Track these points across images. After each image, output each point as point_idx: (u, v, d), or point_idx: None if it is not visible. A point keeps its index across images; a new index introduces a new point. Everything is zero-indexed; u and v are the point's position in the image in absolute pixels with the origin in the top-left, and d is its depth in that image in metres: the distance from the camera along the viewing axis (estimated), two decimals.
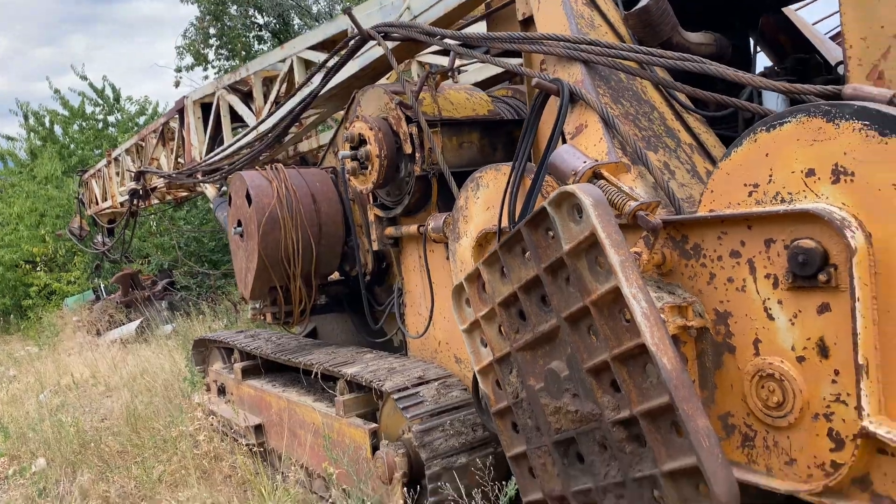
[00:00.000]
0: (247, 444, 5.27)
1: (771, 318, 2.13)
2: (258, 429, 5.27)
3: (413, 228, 4.11)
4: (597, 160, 2.58)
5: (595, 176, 2.52)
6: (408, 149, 3.95)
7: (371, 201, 4.47)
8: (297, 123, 5.85)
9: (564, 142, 2.86)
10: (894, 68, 2.54)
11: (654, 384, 2.02)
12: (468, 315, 2.80)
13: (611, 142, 2.71)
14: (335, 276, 5.13)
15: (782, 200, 2.11)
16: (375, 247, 4.49)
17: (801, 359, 2.07)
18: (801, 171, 2.06)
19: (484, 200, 3.25)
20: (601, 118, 2.75)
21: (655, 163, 2.68)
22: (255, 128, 6.14)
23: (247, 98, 7.42)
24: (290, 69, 5.94)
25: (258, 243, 4.48)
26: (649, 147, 2.76)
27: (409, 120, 3.97)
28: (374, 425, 4.00)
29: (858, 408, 1.92)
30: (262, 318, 4.93)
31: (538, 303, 2.43)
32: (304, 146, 7.74)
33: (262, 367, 5.53)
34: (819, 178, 2.03)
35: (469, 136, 4.11)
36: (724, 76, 2.52)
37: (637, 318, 2.01)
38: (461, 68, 5.62)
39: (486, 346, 2.74)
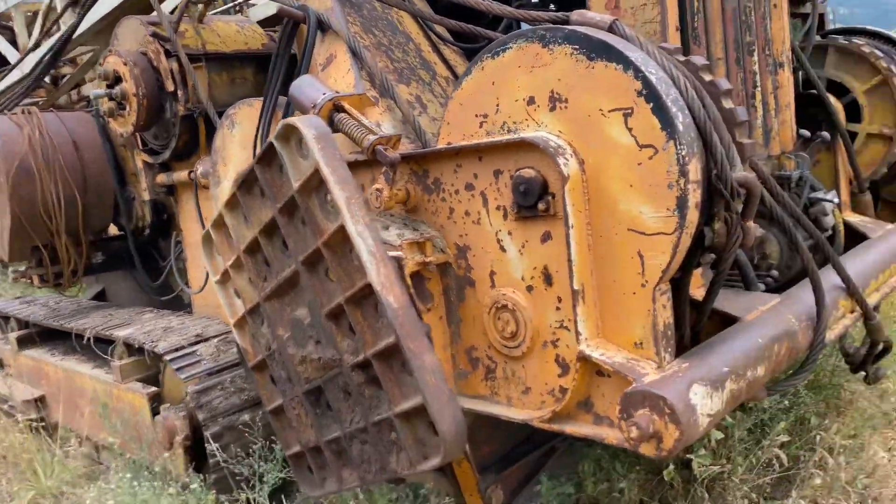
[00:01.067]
0: (28, 420, 4.79)
1: (503, 249, 2.12)
2: (39, 402, 4.80)
3: (184, 175, 3.79)
4: (337, 92, 2.42)
5: (336, 109, 2.36)
6: (170, 86, 3.60)
7: (140, 146, 4.07)
8: (66, 62, 5.22)
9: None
10: None
11: (384, 324, 1.94)
12: (219, 265, 2.60)
13: (358, 73, 2.56)
14: (114, 230, 4.69)
15: (508, 130, 2.07)
16: (148, 196, 4.11)
17: (529, 288, 2.07)
18: (524, 100, 2.02)
19: (240, 139, 3.01)
20: (349, 48, 2.59)
21: (406, 96, 2.57)
22: (13, 68, 5.41)
23: (14, 35, 6.54)
24: (51, 2, 5.25)
25: (9, 198, 3.96)
26: (402, 80, 2.64)
27: (168, 54, 3.60)
28: (153, 389, 3.72)
29: (576, 332, 1.95)
30: (29, 281, 4.42)
31: (280, 247, 2.27)
32: (88, 88, 6.98)
33: (38, 335, 5.00)
34: (539, 106, 2.00)
35: (242, 71, 3.81)
36: (468, 3, 2.43)
37: (363, 257, 1.91)
38: (248, 3, 5.22)
39: (239, 297, 2.56)
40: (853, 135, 3.45)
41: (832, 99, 3.40)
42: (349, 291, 2.00)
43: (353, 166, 2.35)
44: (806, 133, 3.10)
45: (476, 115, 2.15)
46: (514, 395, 2.19)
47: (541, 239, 2.01)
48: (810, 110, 3.36)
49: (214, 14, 4.09)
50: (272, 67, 2.77)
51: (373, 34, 2.73)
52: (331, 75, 2.65)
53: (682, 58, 2.13)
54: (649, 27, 2.54)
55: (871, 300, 2.74)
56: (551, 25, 1.96)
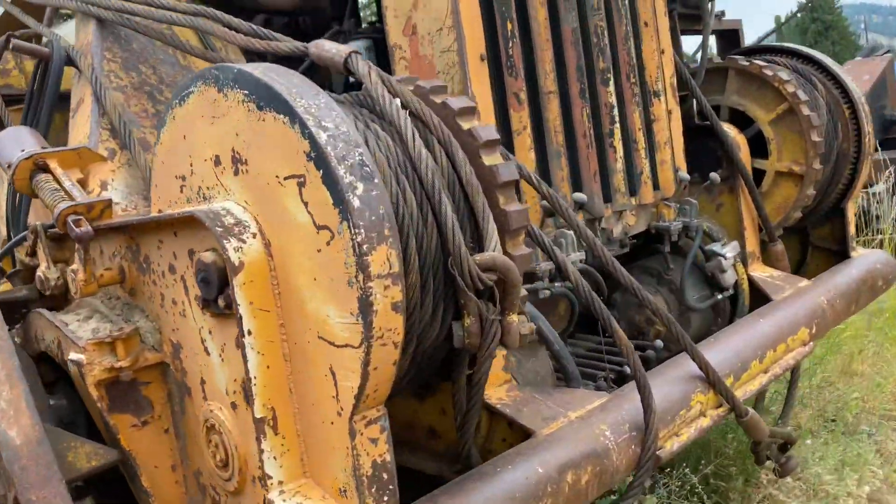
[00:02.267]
0: None
1: (207, 351, 1.62)
2: None
3: None
4: (44, 147, 1.96)
5: (39, 168, 1.90)
6: None
7: None
8: None
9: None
10: (427, 20, 2.08)
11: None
12: None
13: (97, 122, 2.10)
14: None
15: (204, 198, 1.59)
16: None
17: (233, 405, 1.57)
18: (211, 159, 1.54)
19: None
20: (93, 91, 2.13)
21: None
22: None
23: None
24: None
25: None
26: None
27: None
28: None
29: (264, 474, 1.44)
30: None
31: None
32: None
33: None
34: (224, 168, 1.51)
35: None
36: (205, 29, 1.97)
37: None
38: None
39: None
40: (761, 173, 2.91)
41: (733, 132, 2.87)
42: None
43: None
44: (685, 177, 2.58)
45: (176, 177, 1.67)
46: None
47: (235, 343, 1.51)
48: (710, 144, 2.84)
49: None
50: (24, 113, 2.32)
51: (137, 72, 2.28)
52: (77, 123, 2.20)
53: (439, 100, 1.64)
54: (447, 57, 2.05)
55: (751, 386, 2.19)
56: (226, 65, 1.48)
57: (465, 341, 1.53)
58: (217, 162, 1.52)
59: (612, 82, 2.42)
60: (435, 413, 1.95)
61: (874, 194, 6.23)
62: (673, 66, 2.72)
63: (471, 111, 1.63)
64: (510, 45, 2.11)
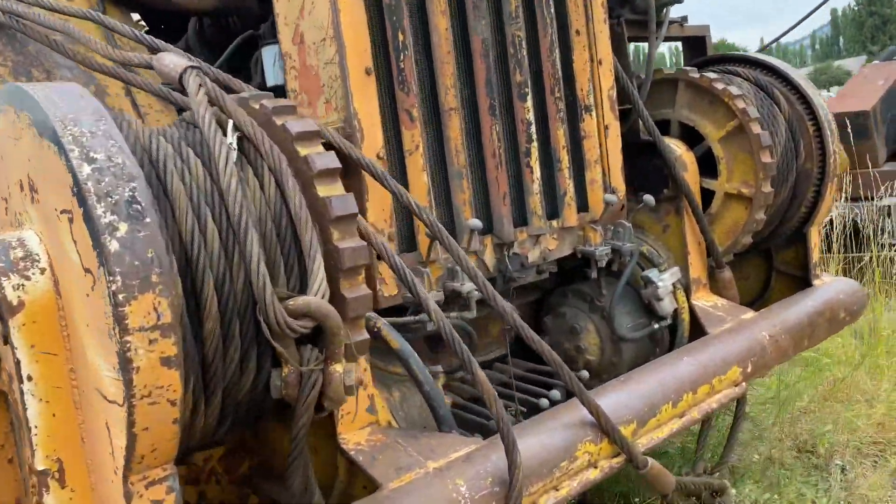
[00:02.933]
0: None
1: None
2: None
3: None
4: None
5: None
6: None
7: None
8: None
9: None
10: (312, 29, 1.94)
11: None
12: None
13: None
14: None
15: (18, 223, 1.47)
16: None
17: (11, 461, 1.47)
18: (17, 183, 1.42)
19: None
20: None
21: None
22: None
23: None
24: None
25: None
26: None
27: None
28: None
29: None
30: None
31: None
32: None
33: None
34: (26, 194, 1.39)
35: None
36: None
37: None
38: None
39: None
40: (710, 195, 2.71)
41: (681, 149, 2.66)
42: None
43: None
44: (612, 199, 2.39)
45: (2, 199, 1.56)
46: None
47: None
48: (657, 162, 2.64)
49: None
50: None
51: (28, 76, 2.17)
52: None
53: (280, 122, 1.50)
54: (330, 69, 1.90)
55: (659, 433, 2.02)
56: (20, 85, 1.36)
57: (283, 392, 1.39)
58: (21, 186, 1.40)
59: (529, 97, 2.25)
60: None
61: (882, 208, 5.90)
62: (612, 77, 2.53)
63: (312, 136, 1.49)
64: (401, 57, 1.95)
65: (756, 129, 2.51)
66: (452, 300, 2.07)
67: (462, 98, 2.13)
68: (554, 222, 2.37)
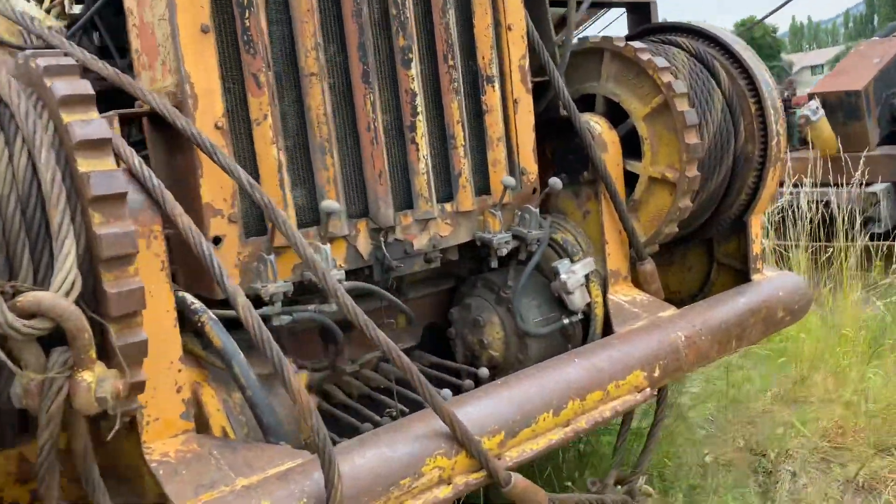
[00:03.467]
0: None
1: None
2: None
3: None
4: None
5: None
6: None
7: None
8: None
9: None
10: None
11: None
12: None
13: None
14: None
15: None
16: None
17: None
18: None
19: None
20: None
21: None
22: None
23: None
24: None
25: None
26: None
27: None
28: None
29: None
30: None
31: None
32: None
33: None
34: None
35: None
36: None
37: None
38: None
39: None
40: (634, 178, 2.46)
41: (602, 126, 2.41)
42: None
43: None
44: (510, 181, 2.15)
45: None
46: None
47: None
48: (578, 141, 2.40)
49: None
50: None
51: None
52: None
53: (49, 83, 1.28)
54: (163, 27, 1.67)
55: (533, 445, 1.80)
56: None
57: (23, 402, 1.19)
58: None
59: (414, 64, 2.01)
60: None
61: (872, 194, 5.61)
62: (525, 45, 2.28)
63: (80, 101, 1.27)
64: (246, 14, 1.71)
65: (681, 105, 2.26)
66: (312, 291, 1.86)
67: (330, 63, 1.89)
68: (447, 205, 2.14)
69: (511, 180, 2.15)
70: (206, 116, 1.68)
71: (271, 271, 1.73)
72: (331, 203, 1.79)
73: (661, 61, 2.31)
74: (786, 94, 7.97)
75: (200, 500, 1.41)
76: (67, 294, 1.16)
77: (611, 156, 2.40)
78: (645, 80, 2.37)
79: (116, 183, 1.24)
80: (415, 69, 2.01)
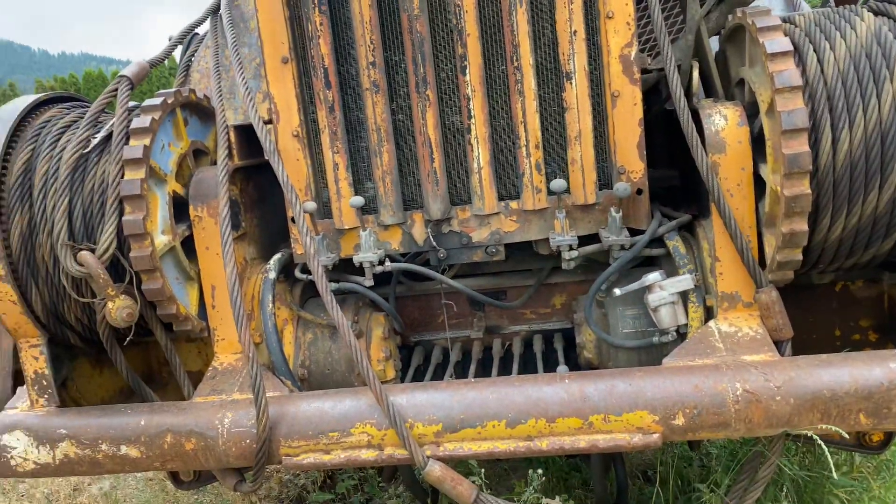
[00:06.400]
0: None
1: None
2: None
3: None
4: None
5: None
6: None
7: None
8: None
9: None
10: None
11: None
12: None
13: None
14: None
15: None
16: None
17: None
18: None
19: None
20: None
21: None
22: None
23: None
24: None
25: None
26: None
27: None
28: None
29: None
30: None
31: None
32: None
33: None
34: None
35: None
36: None
37: None
38: None
39: None
40: (763, 184, 1.93)
41: (729, 121, 1.98)
42: None
43: None
44: (561, 186, 1.97)
45: None
46: None
47: None
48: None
49: None
50: None
51: None
52: None
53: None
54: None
55: (472, 446, 1.91)
56: None
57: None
58: None
59: (468, 71, 2.10)
60: None
61: None
62: (629, 33, 2.05)
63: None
64: (310, 46, 2.15)
65: (787, 103, 1.73)
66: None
67: (389, 74, 2.18)
68: (513, 203, 2.21)
69: (561, 182, 2.05)
70: (287, 127, 2.24)
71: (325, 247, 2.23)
72: (358, 199, 2.14)
73: (777, 44, 1.79)
74: None
75: (209, 399, 2.10)
76: (103, 255, 1.96)
77: (729, 158, 1.99)
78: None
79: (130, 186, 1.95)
80: (469, 76, 2.12)
